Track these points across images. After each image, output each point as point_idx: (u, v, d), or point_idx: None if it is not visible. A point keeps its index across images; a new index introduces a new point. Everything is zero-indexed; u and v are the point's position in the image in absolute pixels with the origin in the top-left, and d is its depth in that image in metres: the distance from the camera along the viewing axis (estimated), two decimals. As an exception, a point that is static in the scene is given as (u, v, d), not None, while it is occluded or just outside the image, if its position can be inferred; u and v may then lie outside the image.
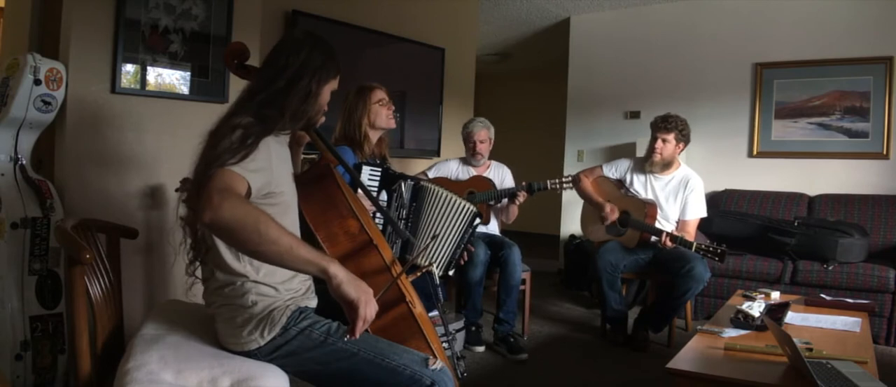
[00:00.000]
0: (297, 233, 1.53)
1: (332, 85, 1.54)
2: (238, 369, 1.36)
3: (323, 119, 1.62)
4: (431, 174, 3.47)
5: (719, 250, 2.92)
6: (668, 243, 3.09)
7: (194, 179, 1.38)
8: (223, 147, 1.31)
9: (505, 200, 3.30)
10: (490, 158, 3.56)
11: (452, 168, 3.51)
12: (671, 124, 3.34)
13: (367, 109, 2.49)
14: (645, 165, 3.46)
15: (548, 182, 3.30)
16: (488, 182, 3.36)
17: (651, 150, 3.40)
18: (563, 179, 3.35)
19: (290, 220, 1.50)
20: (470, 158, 3.50)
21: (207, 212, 1.20)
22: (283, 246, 1.23)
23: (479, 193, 3.28)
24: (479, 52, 6.06)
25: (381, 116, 2.50)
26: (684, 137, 3.38)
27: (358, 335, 1.29)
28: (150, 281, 2.66)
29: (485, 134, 3.45)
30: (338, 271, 1.27)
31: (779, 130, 4.54)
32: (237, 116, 1.39)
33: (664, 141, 3.35)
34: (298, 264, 1.26)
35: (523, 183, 3.27)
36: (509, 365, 3.07)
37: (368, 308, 1.28)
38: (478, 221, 2.65)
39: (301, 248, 1.25)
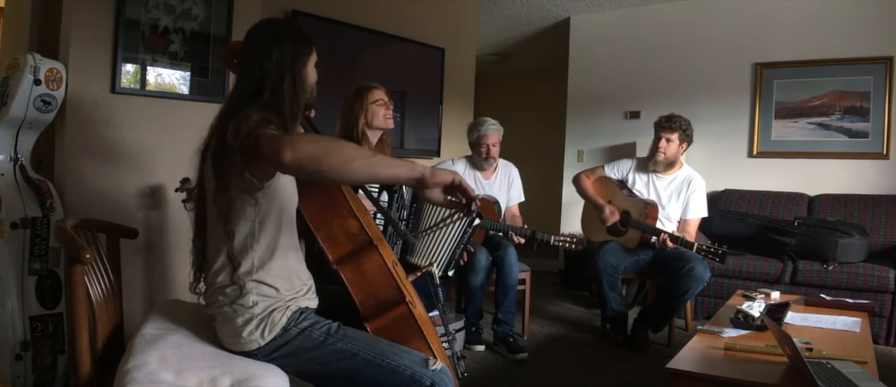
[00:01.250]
0: (295, 234, 1.53)
1: (313, 61, 1.51)
2: (238, 369, 1.36)
3: (313, 113, 1.61)
4: None
5: (720, 251, 2.92)
6: (669, 244, 3.08)
7: (202, 173, 1.37)
8: (250, 123, 1.28)
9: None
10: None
11: (459, 171, 3.44)
12: (675, 124, 3.35)
13: (364, 109, 2.49)
14: (648, 164, 3.45)
15: (552, 237, 3.14)
16: (494, 207, 3.30)
17: (655, 149, 3.40)
18: (568, 238, 3.17)
19: (289, 219, 1.49)
20: (481, 160, 3.40)
21: (287, 151, 1.16)
22: (366, 155, 1.24)
23: (485, 220, 3.19)
24: (479, 52, 6.05)
25: (379, 115, 2.49)
26: (688, 137, 3.39)
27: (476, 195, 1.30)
28: (150, 281, 2.66)
29: (496, 137, 3.37)
30: (424, 170, 1.27)
31: (779, 130, 4.54)
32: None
33: (668, 140, 3.36)
34: (389, 170, 1.26)
35: (527, 228, 3.16)
36: (509, 365, 3.07)
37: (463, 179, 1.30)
38: (477, 222, 2.65)
39: (382, 155, 1.27)
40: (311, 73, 1.51)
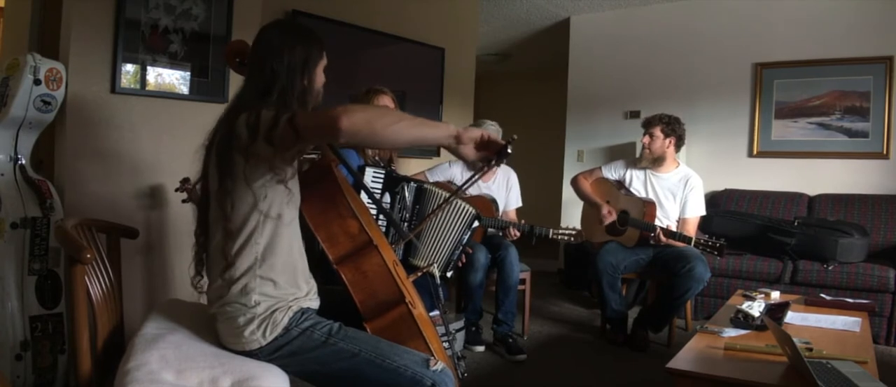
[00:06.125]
0: (299, 232, 1.53)
1: (322, 64, 1.54)
2: (239, 368, 1.36)
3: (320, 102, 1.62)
4: (431, 177, 3.41)
5: (718, 245, 2.93)
6: (662, 239, 3.09)
7: (202, 173, 1.38)
8: (270, 111, 1.33)
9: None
10: None
11: (456, 173, 3.39)
12: (655, 119, 3.40)
13: None
14: (639, 162, 3.49)
15: (550, 230, 3.14)
16: (492, 206, 3.30)
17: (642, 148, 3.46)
18: (567, 231, 3.18)
19: (293, 215, 1.49)
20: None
21: (343, 119, 1.22)
22: (409, 117, 1.32)
23: (484, 217, 3.21)
24: (479, 52, 6.05)
25: None
26: (673, 131, 3.38)
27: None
28: (150, 281, 2.66)
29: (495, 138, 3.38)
30: (458, 129, 1.39)
31: (779, 129, 4.54)
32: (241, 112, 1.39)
33: (652, 136, 3.40)
34: (431, 130, 1.37)
35: (524, 223, 3.15)
36: (509, 365, 3.06)
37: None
38: (476, 224, 2.65)
39: (422, 119, 1.35)
40: (320, 78, 1.53)
